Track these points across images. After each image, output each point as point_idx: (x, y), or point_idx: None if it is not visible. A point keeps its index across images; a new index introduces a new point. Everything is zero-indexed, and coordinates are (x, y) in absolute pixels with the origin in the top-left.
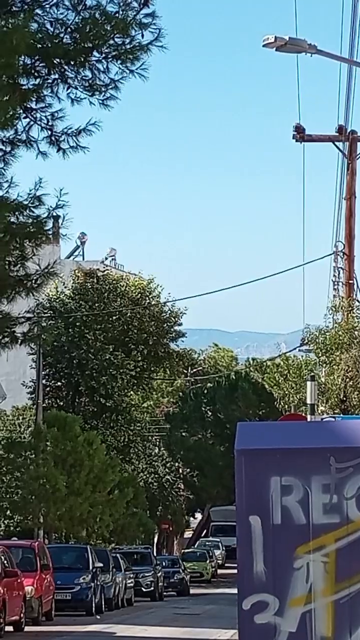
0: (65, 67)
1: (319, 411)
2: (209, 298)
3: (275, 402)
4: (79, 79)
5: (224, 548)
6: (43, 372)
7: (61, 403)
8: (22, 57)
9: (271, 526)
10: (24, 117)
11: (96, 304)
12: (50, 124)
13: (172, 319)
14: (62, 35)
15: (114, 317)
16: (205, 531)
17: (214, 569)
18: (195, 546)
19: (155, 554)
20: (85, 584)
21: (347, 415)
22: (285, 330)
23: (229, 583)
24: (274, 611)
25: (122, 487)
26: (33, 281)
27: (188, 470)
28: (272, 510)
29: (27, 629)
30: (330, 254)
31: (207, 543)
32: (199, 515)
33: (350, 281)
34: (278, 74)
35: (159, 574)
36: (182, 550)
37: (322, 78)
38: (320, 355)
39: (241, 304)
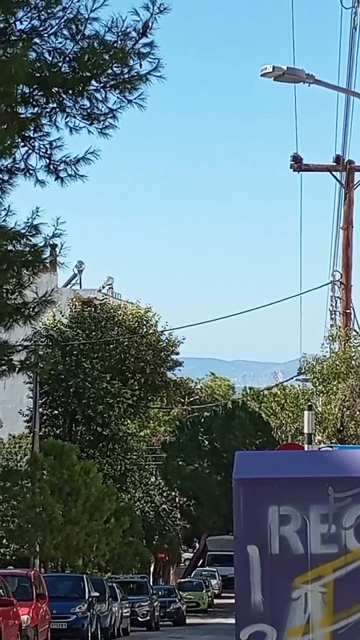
0: (64, 96)
1: (316, 441)
2: (206, 327)
3: (272, 432)
4: (77, 107)
5: (220, 578)
6: (40, 401)
7: (58, 431)
8: (21, 85)
9: (269, 556)
10: (22, 146)
11: (93, 333)
12: (48, 152)
13: (169, 347)
14: (60, 64)
15: (111, 346)
16: (201, 560)
17: (210, 599)
18: (192, 576)
19: (151, 584)
20: (81, 613)
21: (345, 445)
22: (282, 360)
23: (226, 613)
24: None
25: (118, 516)
26: (30, 309)
27: (184, 499)
28: (270, 540)
29: None
30: (328, 284)
31: (203, 573)
32: (195, 545)
33: (348, 310)
34: (276, 104)
35: (155, 604)
36: (179, 580)
37: (319, 108)
38: (317, 384)
39: (238, 333)
